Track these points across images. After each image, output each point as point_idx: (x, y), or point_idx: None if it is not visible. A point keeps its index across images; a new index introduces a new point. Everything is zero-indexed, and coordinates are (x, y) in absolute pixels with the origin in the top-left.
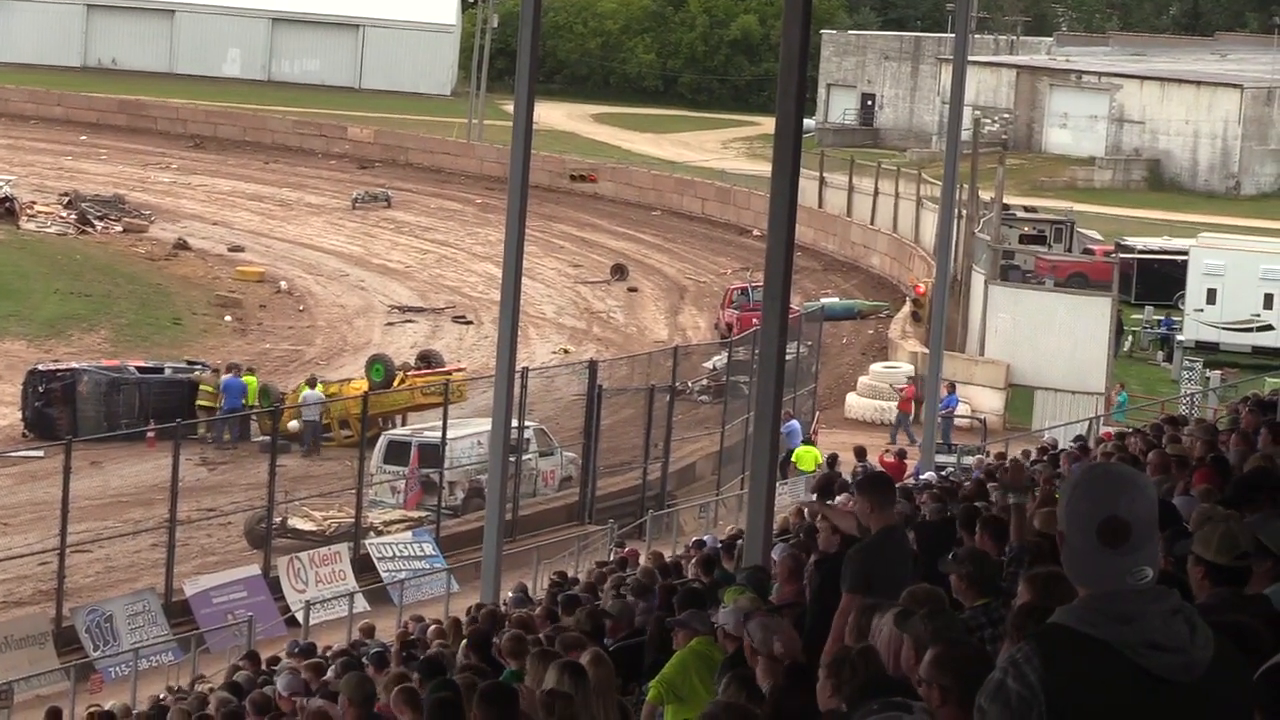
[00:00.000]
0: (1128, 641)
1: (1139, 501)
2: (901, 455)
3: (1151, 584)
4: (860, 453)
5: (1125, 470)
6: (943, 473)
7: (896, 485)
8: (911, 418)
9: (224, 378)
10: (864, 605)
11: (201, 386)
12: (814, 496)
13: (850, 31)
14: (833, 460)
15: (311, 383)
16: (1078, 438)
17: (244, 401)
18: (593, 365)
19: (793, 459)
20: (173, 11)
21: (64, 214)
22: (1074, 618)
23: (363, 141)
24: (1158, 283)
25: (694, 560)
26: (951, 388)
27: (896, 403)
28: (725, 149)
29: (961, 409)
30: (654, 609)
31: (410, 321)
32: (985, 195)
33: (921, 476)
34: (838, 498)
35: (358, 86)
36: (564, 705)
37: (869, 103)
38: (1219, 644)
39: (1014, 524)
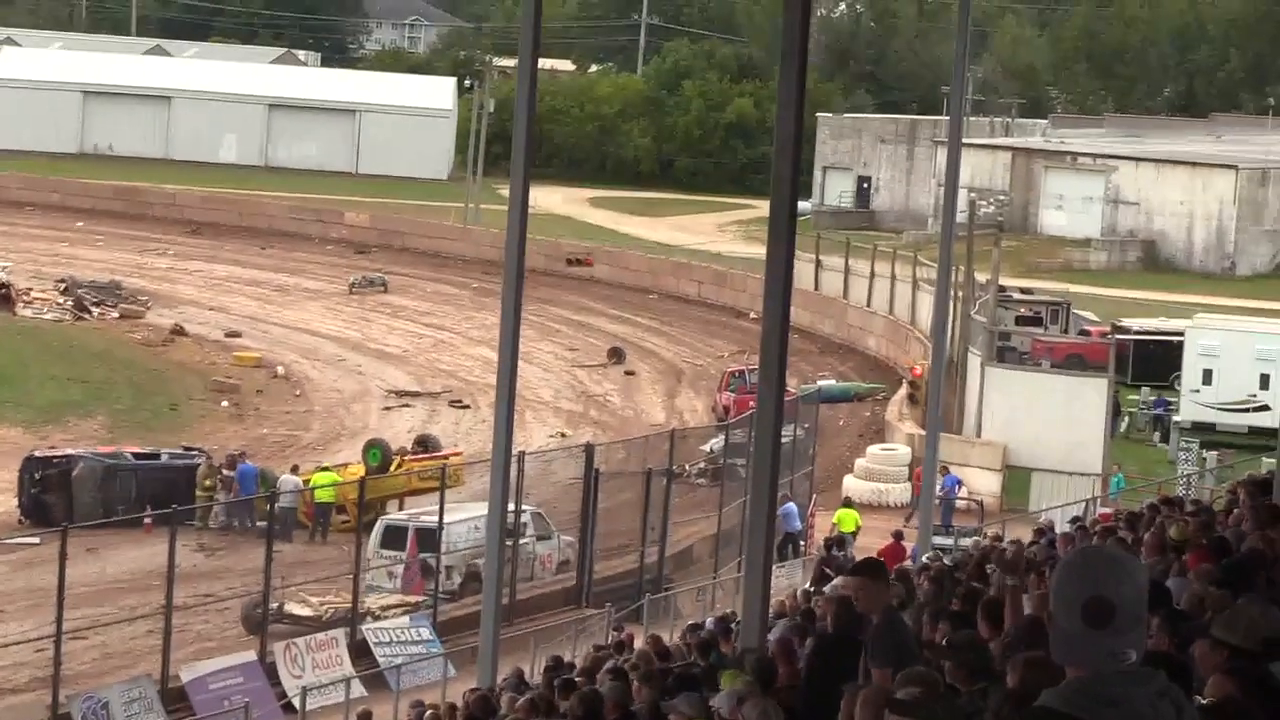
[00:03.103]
0: None
1: (1126, 584)
2: (898, 537)
3: (1135, 666)
4: (840, 541)
5: (1115, 553)
6: (942, 555)
7: (896, 567)
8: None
9: (239, 466)
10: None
11: (201, 480)
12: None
13: (845, 115)
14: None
15: (294, 470)
16: (1075, 519)
17: (259, 488)
18: (589, 449)
19: (834, 520)
20: (169, 98)
21: (60, 300)
22: (1060, 700)
23: (359, 226)
24: (1154, 363)
25: (692, 644)
26: (945, 470)
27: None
28: (721, 232)
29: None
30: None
31: (407, 406)
32: (981, 277)
33: (920, 559)
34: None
35: (355, 171)
36: None
37: (864, 185)
38: None
39: (1009, 606)
